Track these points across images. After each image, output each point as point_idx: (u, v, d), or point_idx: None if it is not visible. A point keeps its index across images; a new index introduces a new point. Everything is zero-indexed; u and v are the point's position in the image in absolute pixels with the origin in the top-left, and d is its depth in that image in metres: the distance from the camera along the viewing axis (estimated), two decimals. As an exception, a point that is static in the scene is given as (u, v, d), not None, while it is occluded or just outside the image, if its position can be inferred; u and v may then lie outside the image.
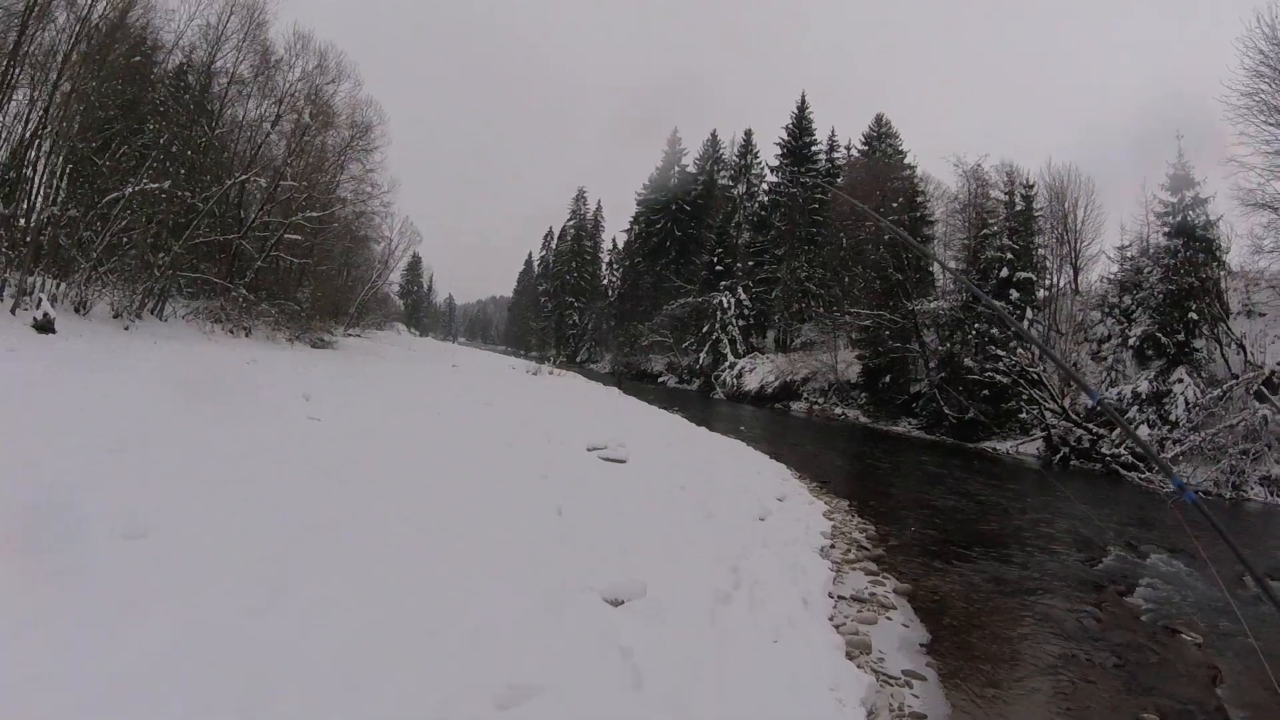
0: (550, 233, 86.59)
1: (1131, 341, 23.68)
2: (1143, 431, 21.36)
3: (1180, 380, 21.27)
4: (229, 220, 21.00)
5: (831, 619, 5.34)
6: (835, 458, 18.80)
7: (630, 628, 3.80)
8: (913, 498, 12.89)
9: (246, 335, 19.45)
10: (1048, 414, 22.76)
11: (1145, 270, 24.90)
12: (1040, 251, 29.67)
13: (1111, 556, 8.81)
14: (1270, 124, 19.77)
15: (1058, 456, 22.14)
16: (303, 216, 22.53)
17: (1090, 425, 21.72)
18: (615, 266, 72.04)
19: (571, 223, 79.32)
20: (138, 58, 18.42)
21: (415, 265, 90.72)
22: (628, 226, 66.37)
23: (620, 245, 70.36)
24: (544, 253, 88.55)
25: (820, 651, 4.34)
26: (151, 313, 16.61)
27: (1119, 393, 22.81)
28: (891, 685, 4.52)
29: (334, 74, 24.23)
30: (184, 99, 20.32)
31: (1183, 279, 21.83)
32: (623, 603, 4.19)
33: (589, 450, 8.96)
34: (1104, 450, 21.58)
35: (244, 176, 19.94)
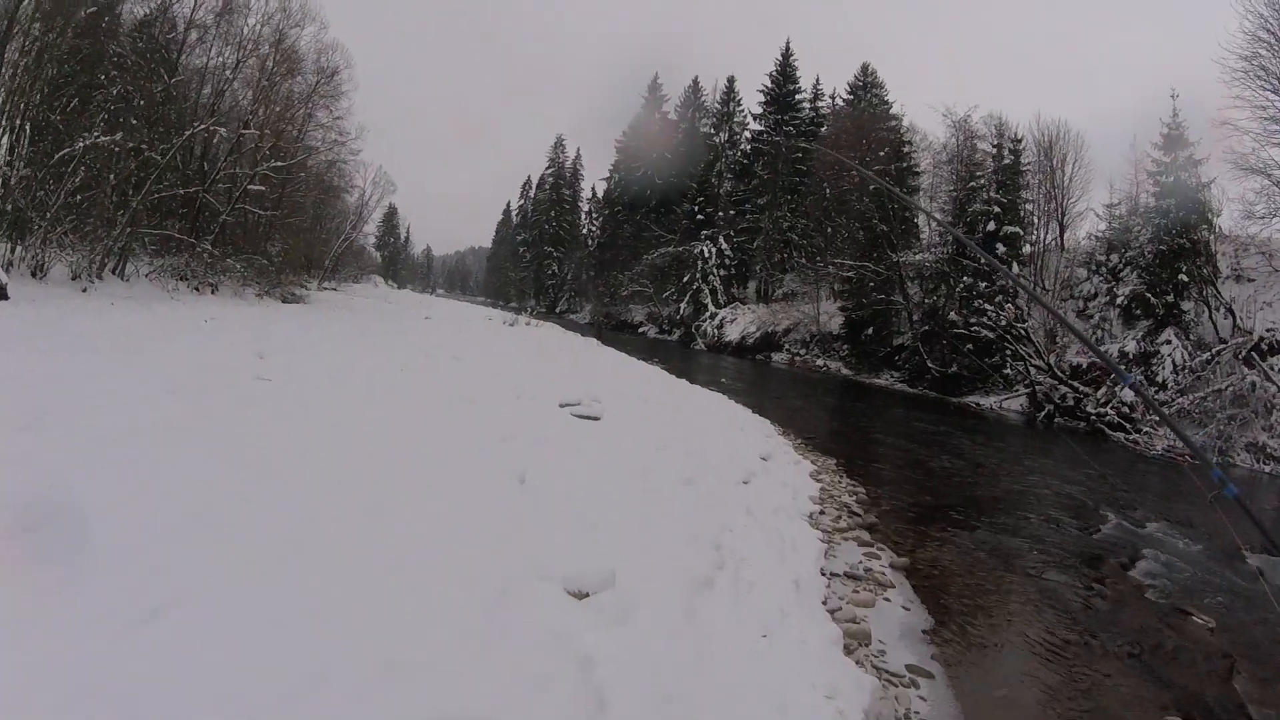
0: (529, 182, 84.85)
1: (1120, 301, 23.25)
2: (1128, 393, 21.16)
3: (1168, 342, 20.94)
4: (191, 174, 19.97)
5: (825, 602, 4.78)
6: (819, 411, 18.33)
7: (594, 631, 3.19)
8: (902, 456, 12.38)
9: (213, 292, 18.70)
10: (1033, 370, 22.42)
11: (1135, 229, 24.42)
12: (1027, 207, 29.04)
13: (1111, 524, 8.37)
14: (1267, 89, 19.25)
15: (1042, 414, 21.84)
16: (268, 167, 21.74)
17: (1075, 384, 21.46)
18: (595, 215, 70.91)
19: (550, 171, 77.69)
20: (93, 8, 17.21)
21: (391, 216, 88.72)
22: (607, 175, 64.96)
23: (600, 194, 69.06)
24: (522, 202, 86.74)
25: (815, 649, 3.79)
26: (114, 273, 15.84)
27: (1106, 350, 22.52)
28: (896, 686, 3.98)
29: (298, 17, 23.08)
30: (141, 48, 19.02)
31: (1174, 239, 21.33)
32: (587, 595, 3.57)
33: (561, 406, 8.31)
34: (1089, 409, 21.36)
35: (202, 126, 18.88)
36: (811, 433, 12.76)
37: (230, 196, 20.52)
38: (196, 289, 18.10)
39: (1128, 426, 19.11)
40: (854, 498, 8.02)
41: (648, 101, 62.27)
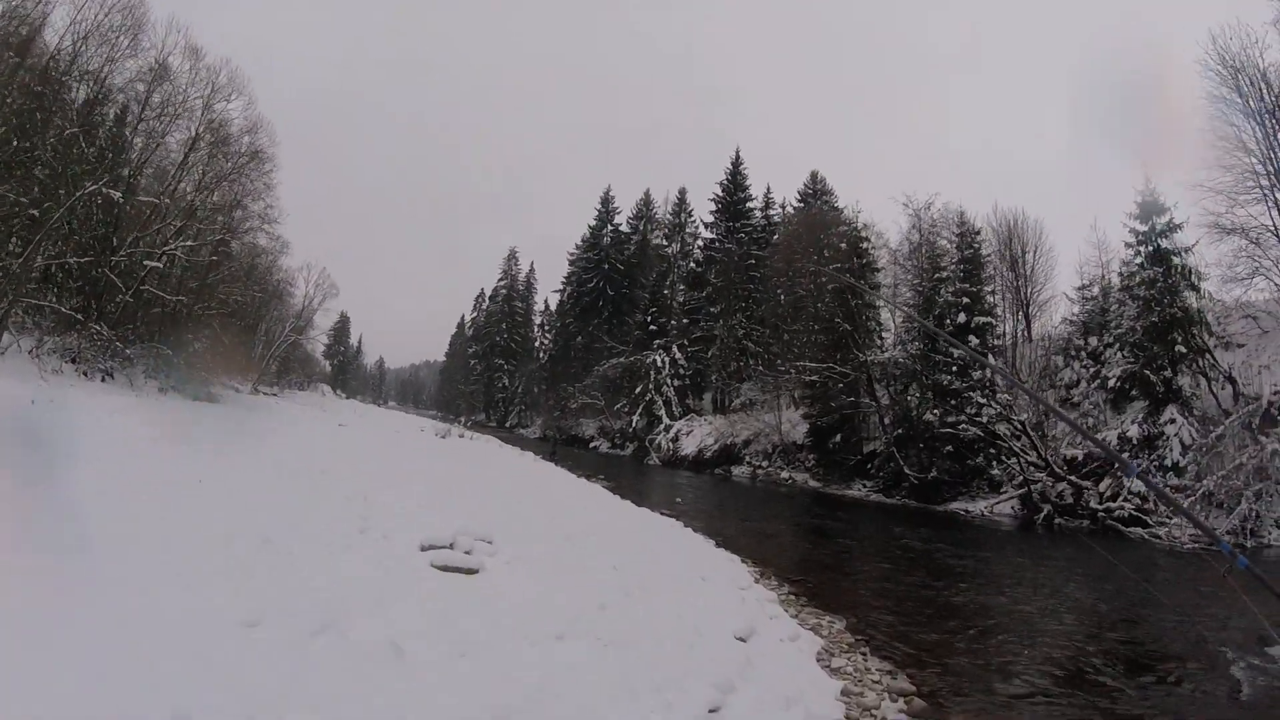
0: (482, 294, 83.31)
1: (1112, 383, 21.46)
2: (1138, 483, 19.18)
3: (1172, 420, 19.15)
4: (88, 243, 17.64)
5: None
6: (796, 537, 15.39)
7: None
8: (919, 595, 9.31)
9: (103, 380, 16.39)
10: (1028, 468, 20.36)
11: (1113, 308, 23.11)
12: (992, 298, 27.73)
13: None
14: (1236, 149, 18.79)
15: (1041, 515, 19.62)
16: (177, 246, 19.43)
17: (1073, 478, 19.44)
18: (547, 328, 69.42)
19: (503, 284, 76.55)
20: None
21: (343, 325, 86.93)
22: (560, 287, 63.73)
23: (553, 307, 67.66)
24: (475, 315, 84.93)
25: None
26: None
27: (1103, 438, 20.63)
28: None
29: (226, 91, 21.63)
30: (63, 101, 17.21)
31: (1165, 309, 19.80)
32: None
33: (423, 550, 5.58)
34: (1092, 505, 19.28)
35: (93, 187, 16.56)
36: (795, 571, 9.96)
37: (134, 274, 18.27)
38: (84, 374, 15.89)
39: (1146, 519, 17.07)
40: (900, 703, 5.13)
41: (600, 214, 61.84)
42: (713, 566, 8.61)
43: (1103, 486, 20.00)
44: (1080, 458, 21.11)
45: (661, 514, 13.95)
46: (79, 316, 16.68)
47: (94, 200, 16.71)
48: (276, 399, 34.55)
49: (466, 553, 5.74)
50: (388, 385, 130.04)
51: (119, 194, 17.04)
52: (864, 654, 6.29)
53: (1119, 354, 21.80)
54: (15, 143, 15.57)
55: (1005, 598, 9.09)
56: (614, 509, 12.51)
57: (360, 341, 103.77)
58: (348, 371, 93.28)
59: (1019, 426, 20.53)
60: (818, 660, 5.79)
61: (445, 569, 5.27)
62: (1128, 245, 22.45)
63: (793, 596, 8.36)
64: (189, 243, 20.02)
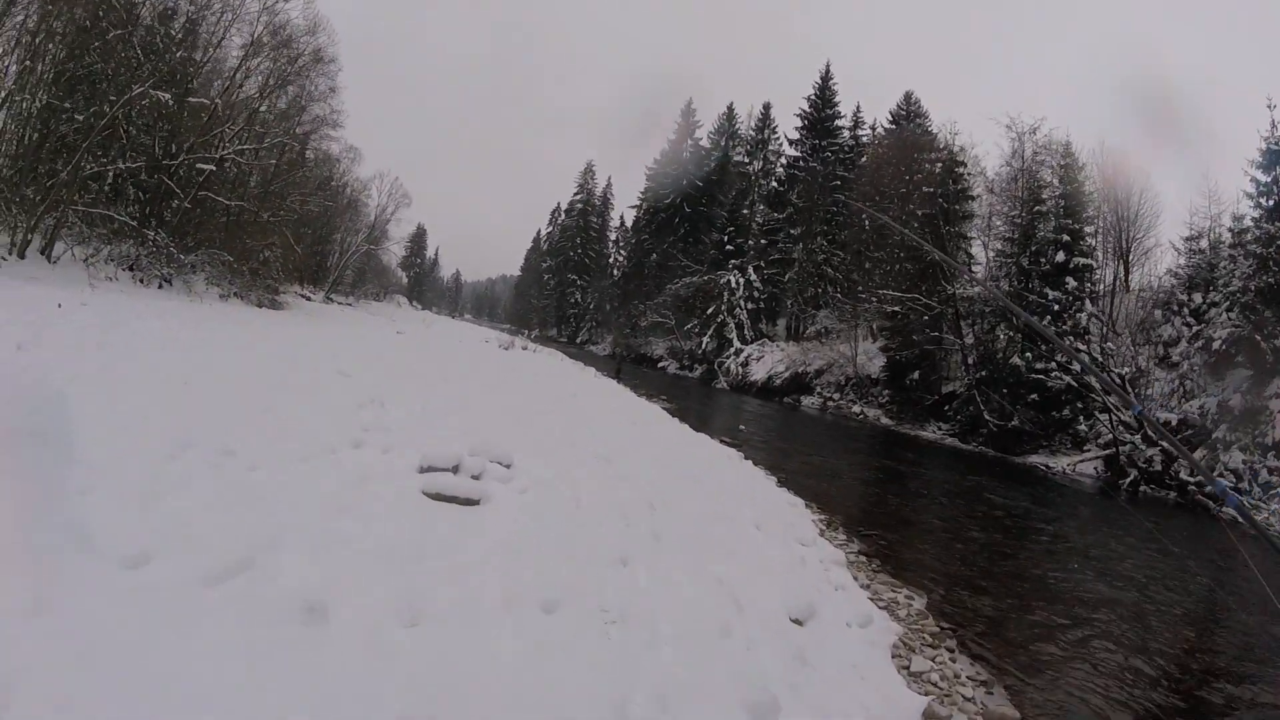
0: (558, 208, 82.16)
1: (1216, 345, 19.27)
2: (1236, 457, 17.32)
3: (1278, 395, 17.13)
4: (141, 149, 17.50)
5: None
6: (870, 482, 14.05)
7: None
8: (1019, 571, 8.04)
9: (160, 287, 16.49)
10: (1119, 427, 18.66)
11: (1223, 264, 20.69)
12: (1091, 241, 25.27)
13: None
14: None
15: (1127, 481, 18.00)
16: (233, 149, 19.19)
17: (1164, 443, 17.71)
18: (622, 245, 68.23)
19: (579, 197, 75.21)
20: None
21: (420, 237, 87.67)
22: (636, 203, 62.02)
23: (628, 224, 66.16)
24: (550, 229, 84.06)
25: None
26: (42, 253, 13.83)
27: (1201, 406, 18.70)
28: None
29: None
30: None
31: None
32: None
33: (422, 472, 4.83)
34: (1181, 474, 17.57)
35: (139, 89, 16.11)
36: (866, 523, 8.83)
37: (193, 178, 18.29)
38: (141, 281, 16.11)
39: (1241, 499, 15.31)
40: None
41: (680, 127, 59.51)
42: (771, 511, 7.56)
43: (1199, 457, 18.25)
44: (1174, 422, 19.27)
45: (721, 442, 13.07)
46: (133, 223, 16.77)
47: (143, 104, 16.27)
48: (349, 308, 34.93)
49: (474, 477, 4.94)
50: (464, 298, 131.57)
51: (168, 96, 16.49)
52: (951, 651, 5.13)
53: (1226, 314, 19.50)
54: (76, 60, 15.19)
55: (1107, 582, 7.73)
56: (667, 435, 11.59)
57: (437, 253, 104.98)
58: (424, 283, 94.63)
59: (1119, 379, 18.70)
60: (894, 658, 4.72)
61: (438, 498, 4.47)
62: (1247, 196, 19.97)
63: (863, 559, 7.20)
64: (247, 146, 19.68)
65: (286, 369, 7.64)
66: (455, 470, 4.95)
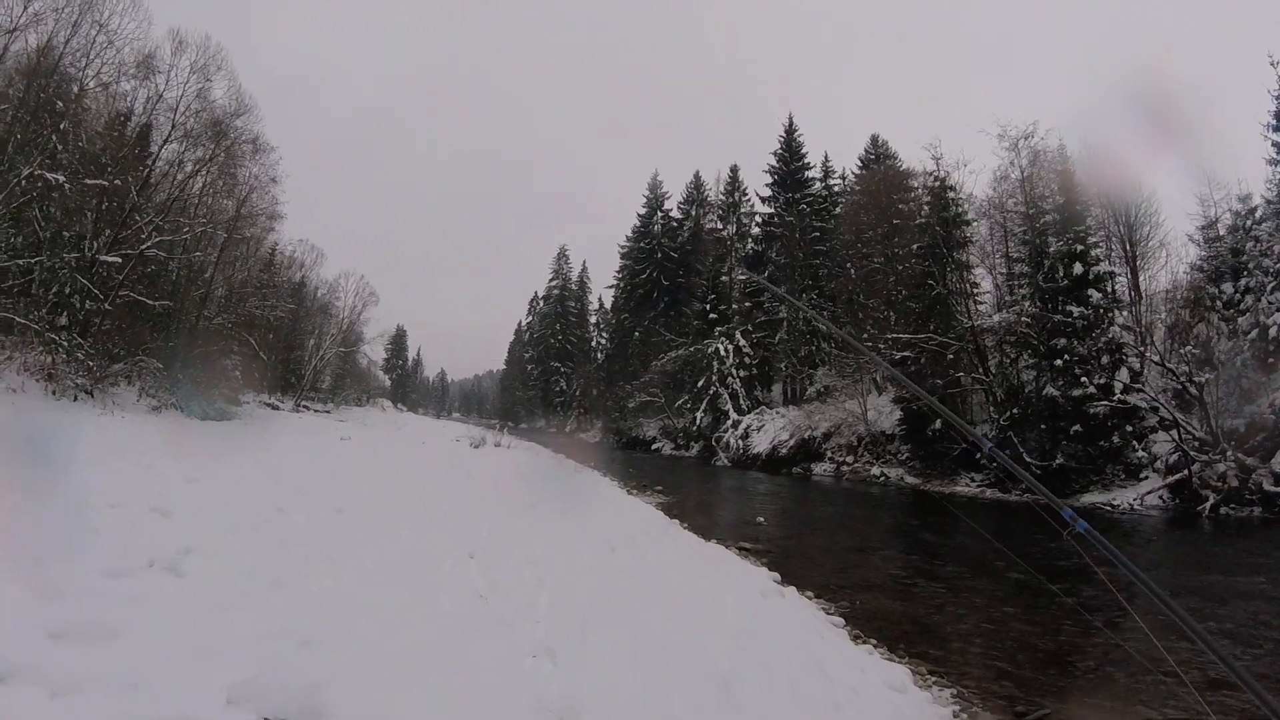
0: (535, 297, 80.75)
1: (1274, 332, 17.06)
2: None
3: None
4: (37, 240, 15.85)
5: None
6: (915, 565, 10.96)
7: None
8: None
9: (76, 399, 14.56)
10: (1186, 448, 16.44)
11: (1249, 245, 18.77)
12: (1097, 249, 23.24)
13: None
14: None
15: (1206, 505, 15.70)
16: (153, 242, 17.31)
17: (1238, 455, 15.70)
18: (602, 327, 66.58)
19: (555, 284, 74.05)
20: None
21: (400, 339, 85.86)
22: (613, 282, 60.49)
23: (607, 305, 64.58)
24: (529, 319, 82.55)
25: None
26: None
27: (1272, 402, 16.62)
28: None
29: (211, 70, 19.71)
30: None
31: None
32: None
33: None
34: (1264, 485, 15.47)
35: (27, 170, 14.46)
36: (969, 657, 6.19)
37: (111, 280, 16.47)
38: (52, 394, 14.27)
39: None
40: None
41: (649, 200, 58.52)
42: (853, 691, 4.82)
43: (1275, 463, 15.99)
44: (1242, 429, 16.99)
45: (740, 551, 10.39)
46: (35, 326, 14.64)
47: (37, 187, 14.25)
48: (321, 415, 32.48)
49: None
50: (452, 397, 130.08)
51: (62, 178, 14.41)
52: None
53: (1268, 297, 17.56)
54: None
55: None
56: (666, 567, 7.78)
57: (419, 354, 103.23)
58: (408, 385, 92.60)
59: (1195, 393, 16.54)
60: None
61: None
62: (1270, 162, 19.05)
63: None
64: (167, 238, 17.60)
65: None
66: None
